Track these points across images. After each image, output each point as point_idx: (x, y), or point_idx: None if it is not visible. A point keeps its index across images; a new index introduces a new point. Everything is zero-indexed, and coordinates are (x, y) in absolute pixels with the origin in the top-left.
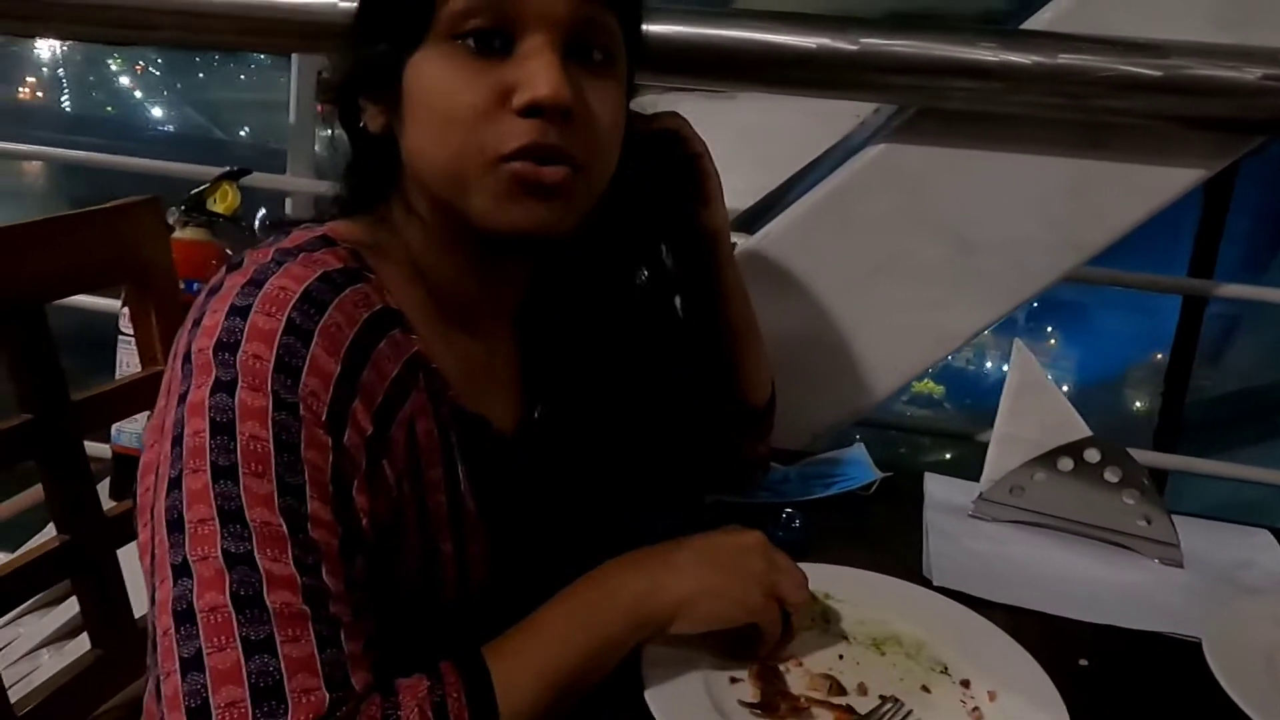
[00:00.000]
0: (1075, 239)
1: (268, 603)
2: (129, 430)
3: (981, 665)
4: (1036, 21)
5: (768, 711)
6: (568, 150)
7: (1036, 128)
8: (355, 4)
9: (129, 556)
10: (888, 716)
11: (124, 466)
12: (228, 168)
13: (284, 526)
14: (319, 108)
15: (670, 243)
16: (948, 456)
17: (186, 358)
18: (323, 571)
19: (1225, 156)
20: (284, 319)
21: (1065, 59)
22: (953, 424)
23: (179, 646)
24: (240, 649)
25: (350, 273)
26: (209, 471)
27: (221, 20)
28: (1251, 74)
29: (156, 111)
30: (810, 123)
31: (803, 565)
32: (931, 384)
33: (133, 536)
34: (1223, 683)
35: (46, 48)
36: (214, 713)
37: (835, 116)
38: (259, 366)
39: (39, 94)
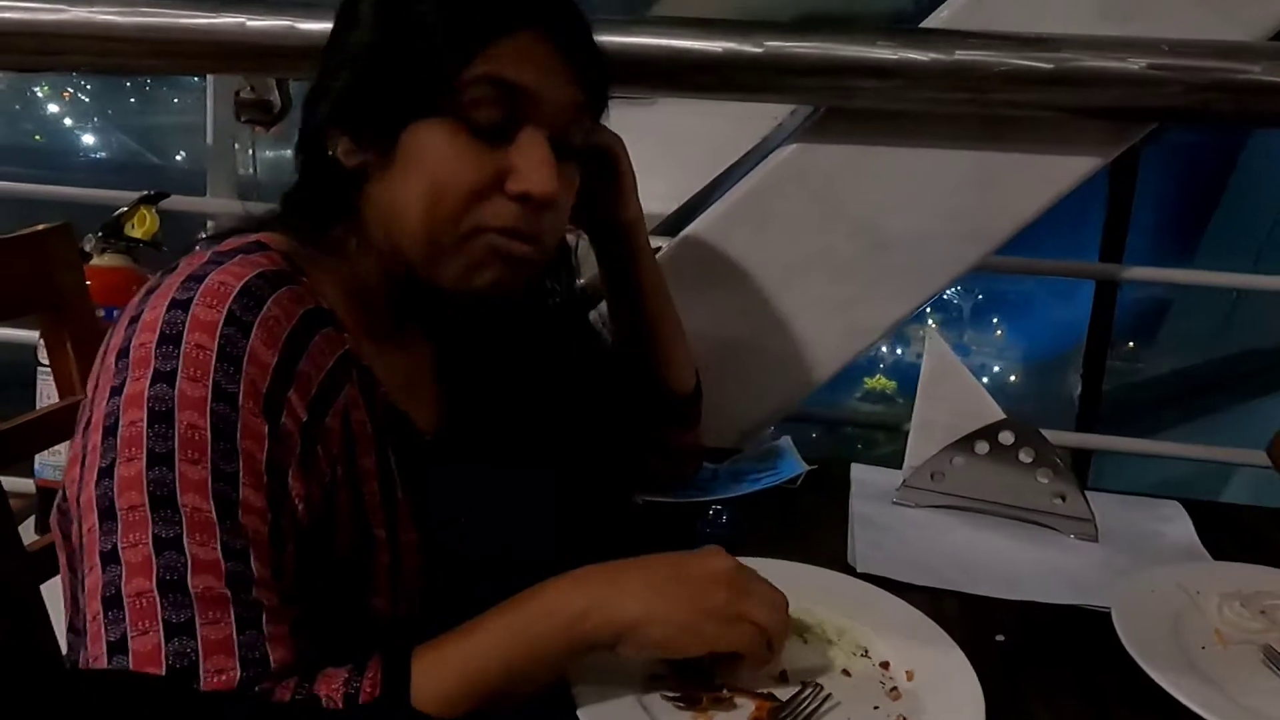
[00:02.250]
0: (983, 229)
1: (190, 587)
2: (51, 463)
3: (900, 647)
4: (934, 20)
5: (690, 704)
6: (540, 233)
7: (940, 123)
8: (352, 42)
9: (53, 592)
10: (807, 701)
11: (48, 500)
12: (145, 191)
13: (214, 513)
14: (255, 129)
15: (588, 235)
16: (904, 446)
17: (123, 352)
18: (250, 558)
19: (1119, 144)
20: (225, 311)
21: (961, 55)
22: (905, 419)
23: (106, 631)
24: (161, 632)
25: (284, 274)
26: (144, 459)
27: (130, 44)
28: (1137, 64)
29: (88, 139)
30: (730, 126)
31: None
32: (884, 380)
33: (57, 571)
34: (1130, 650)
35: None
36: None
37: (754, 119)
38: (202, 356)
39: None
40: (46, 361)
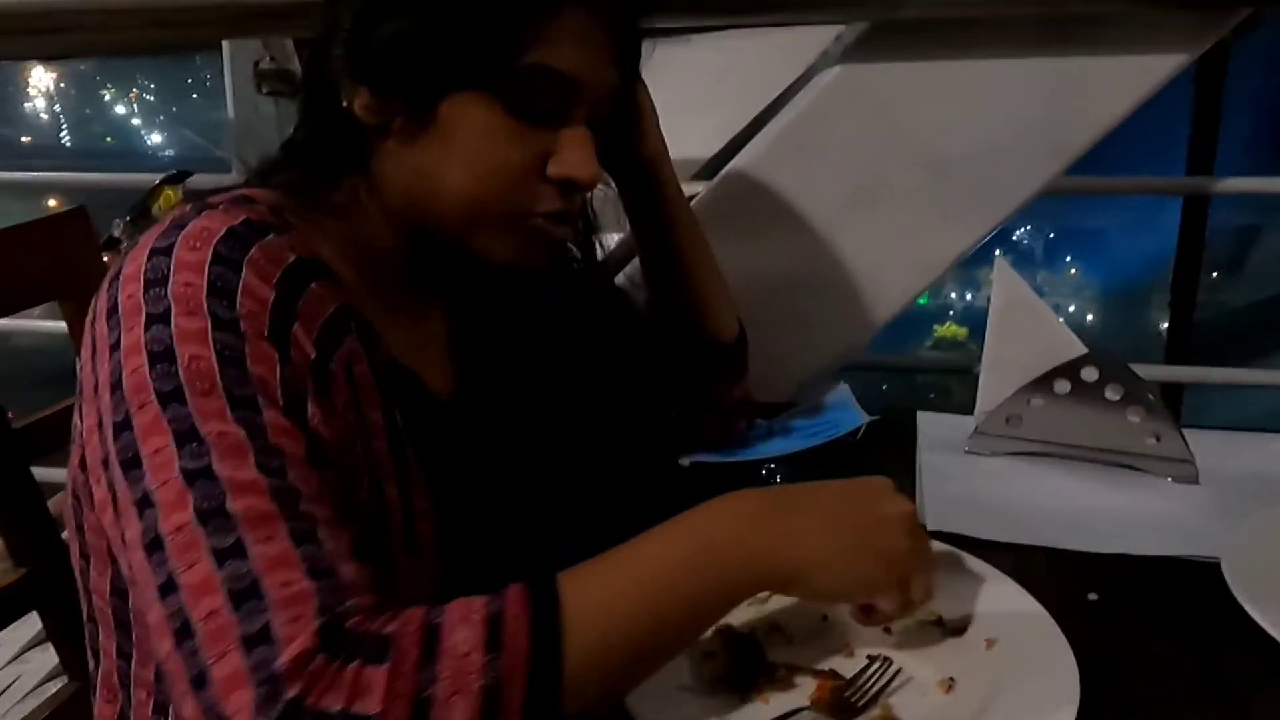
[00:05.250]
0: (1054, 144)
1: (230, 510)
2: None
3: (978, 612)
4: None
5: (742, 685)
6: (576, 212)
7: (998, 29)
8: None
9: None
10: (874, 678)
11: None
12: (170, 171)
13: (243, 433)
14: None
15: (611, 175)
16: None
17: (112, 310)
18: (288, 475)
19: (1208, 36)
20: (210, 251)
21: None
22: (978, 363)
23: (154, 575)
24: (211, 560)
25: (271, 225)
26: (155, 401)
27: (131, 15)
28: None
29: (155, 138)
30: (772, 57)
31: None
32: (955, 327)
33: None
34: (1243, 603)
35: (39, 88)
36: (195, 627)
37: (797, 50)
38: (191, 292)
39: (32, 136)
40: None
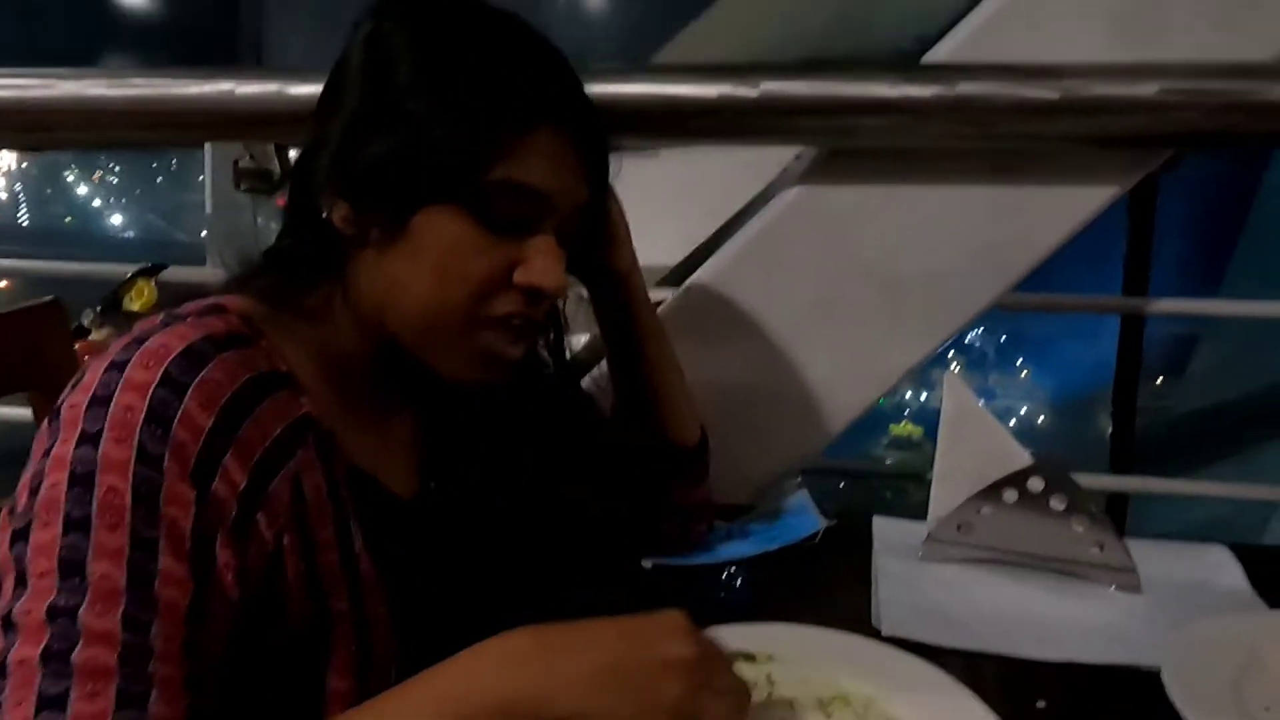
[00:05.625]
0: (1000, 266)
1: (74, 659)
2: None
3: (932, 717)
4: (935, 54)
5: None
6: (539, 318)
7: (947, 159)
8: (356, 111)
9: None
10: None
11: None
12: (143, 264)
13: (124, 581)
14: (278, 201)
15: (584, 284)
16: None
17: (56, 414)
18: (151, 631)
19: (1135, 172)
20: (160, 371)
21: (965, 89)
22: (932, 465)
23: None
24: (33, 705)
25: (236, 337)
26: (60, 524)
27: (120, 116)
28: (1148, 89)
29: (115, 219)
30: (735, 173)
31: (743, 626)
32: (910, 425)
33: None
34: (1185, 714)
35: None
36: None
37: (759, 165)
38: (129, 418)
39: None
40: None
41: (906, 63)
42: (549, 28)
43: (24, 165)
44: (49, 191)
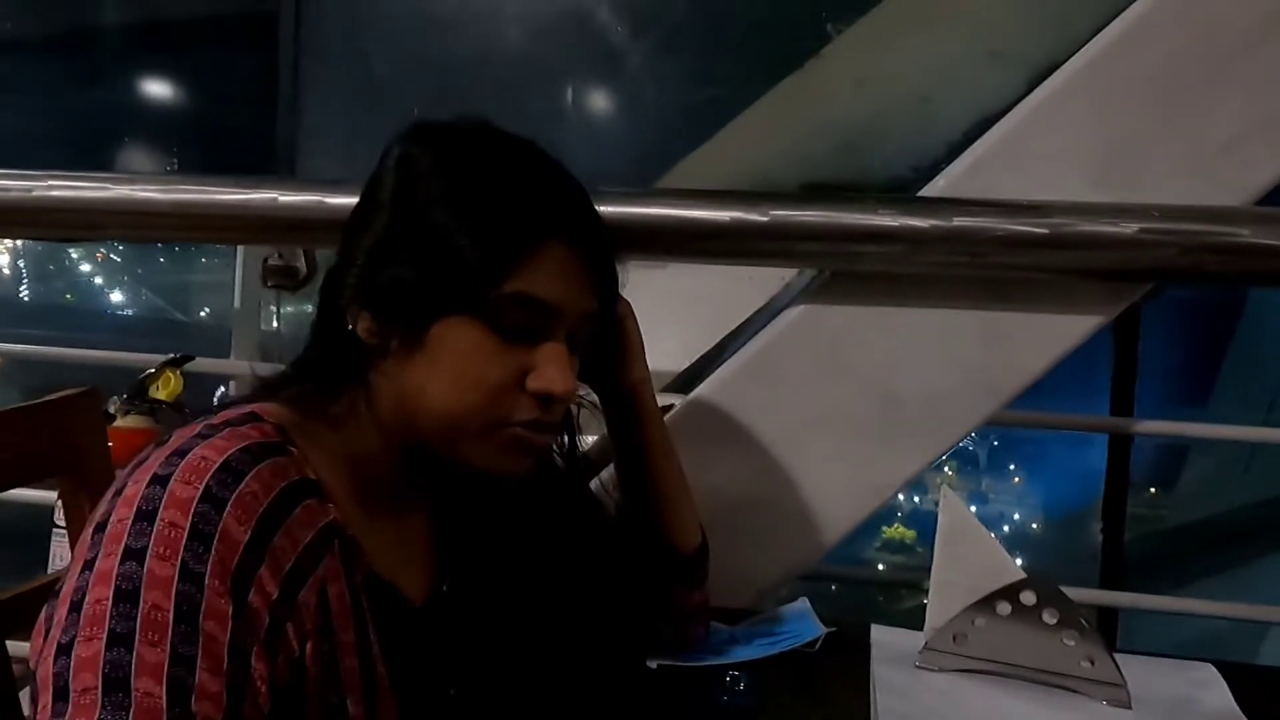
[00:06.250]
0: (992, 386)
1: None
2: None
3: None
4: (932, 189)
5: None
6: (555, 421)
7: (943, 284)
8: (382, 231)
9: None
10: None
11: None
12: (171, 355)
13: (164, 699)
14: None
15: (596, 393)
16: (925, 601)
17: (100, 526)
18: None
19: (1119, 303)
20: (201, 487)
21: (959, 221)
22: (926, 569)
23: None
24: None
25: (271, 446)
26: (105, 639)
27: (167, 218)
28: (1129, 228)
29: (115, 297)
30: (740, 286)
31: None
32: (902, 529)
33: None
34: None
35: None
36: None
37: (763, 280)
38: (174, 534)
39: None
40: (63, 523)
41: (906, 195)
42: (561, 144)
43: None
44: (51, 268)
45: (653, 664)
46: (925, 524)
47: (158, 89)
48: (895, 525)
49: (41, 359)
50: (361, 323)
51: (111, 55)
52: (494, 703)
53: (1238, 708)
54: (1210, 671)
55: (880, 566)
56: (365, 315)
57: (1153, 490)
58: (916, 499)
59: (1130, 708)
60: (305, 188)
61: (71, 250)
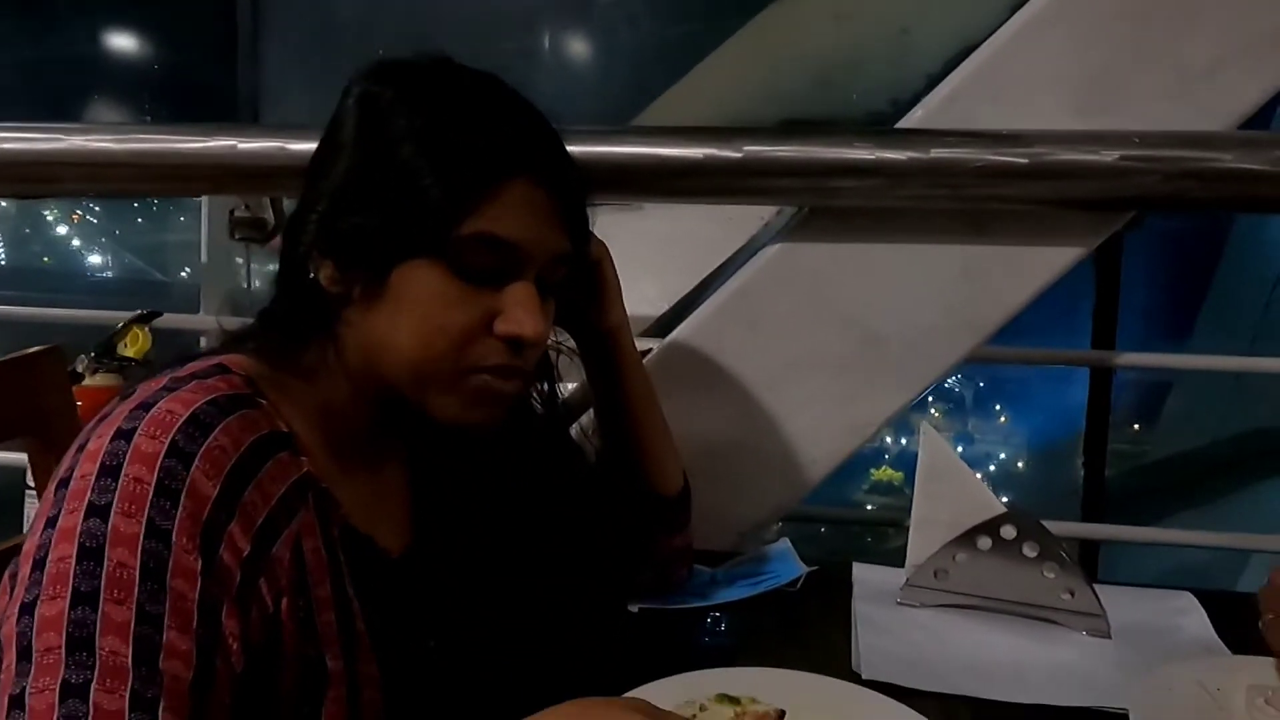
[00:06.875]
0: (972, 320)
1: None
2: None
3: None
4: (909, 120)
5: None
6: (526, 368)
7: (922, 219)
8: (340, 174)
9: None
10: None
11: None
12: (138, 311)
13: (130, 658)
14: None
15: (574, 339)
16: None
17: (63, 482)
18: (159, 708)
19: (1100, 233)
20: (168, 441)
21: (937, 153)
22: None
23: None
24: None
25: (240, 398)
26: (68, 598)
27: (124, 169)
28: (1109, 156)
29: (94, 259)
30: (718, 227)
31: (725, 669)
32: (890, 470)
33: None
34: None
35: None
36: None
37: (741, 220)
38: (139, 490)
39: None
40: (33, 484)
41: (883, 127)
42: (534, 87)
43: (2, 205)
44: (27, 231)
45: (635, 608)
46: (913, 466)
47: (120, 42)
48: (883, 467)
49: (6, 318)
50: (324, 271)
51: (69, 6)
52: (474, 653)
53: (1215, 634)
54: (1189, 600)
55: (869, 508)
56: (328, 263)
57: (1135, 426)
58: (904, 440)
59: (1110, 637)
60: (265, 133)
61: (45, 213)
